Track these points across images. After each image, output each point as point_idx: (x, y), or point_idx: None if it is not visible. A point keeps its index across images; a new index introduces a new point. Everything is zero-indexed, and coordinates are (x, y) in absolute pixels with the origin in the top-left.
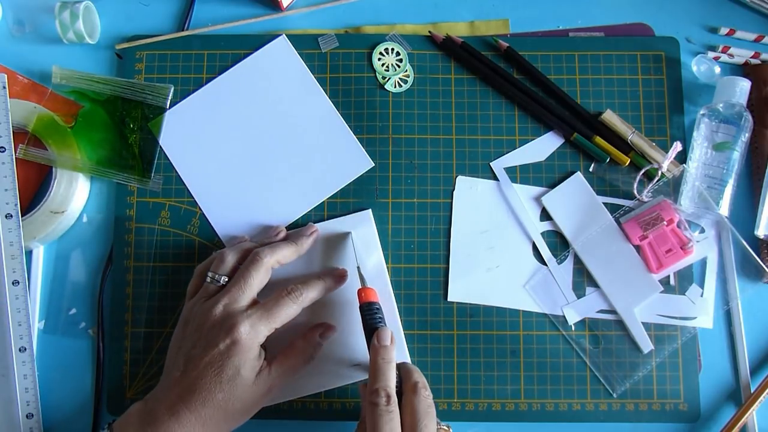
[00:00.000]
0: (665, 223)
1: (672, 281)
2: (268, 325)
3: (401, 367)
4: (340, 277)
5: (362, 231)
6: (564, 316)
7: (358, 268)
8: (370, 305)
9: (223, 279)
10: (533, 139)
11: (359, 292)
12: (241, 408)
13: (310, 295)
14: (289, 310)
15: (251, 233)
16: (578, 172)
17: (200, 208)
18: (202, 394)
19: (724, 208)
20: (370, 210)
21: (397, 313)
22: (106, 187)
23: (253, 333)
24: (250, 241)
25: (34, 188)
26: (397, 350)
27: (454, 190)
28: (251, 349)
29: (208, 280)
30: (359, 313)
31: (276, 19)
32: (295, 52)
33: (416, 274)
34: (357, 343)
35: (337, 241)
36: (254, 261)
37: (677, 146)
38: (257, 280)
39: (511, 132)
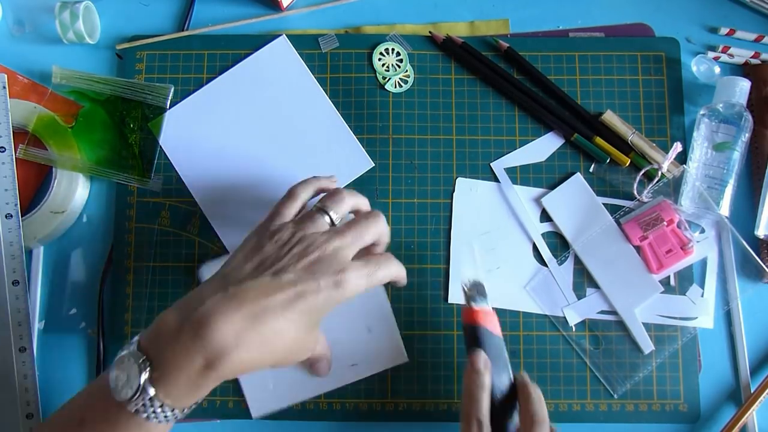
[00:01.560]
0: (665, 223)
1: (672, 282)
2: (372, 281)
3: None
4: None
5: None
6: (564, 317)
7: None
8: (476, 328)
9: (337, 220)
10: (533, 140)
11: (470, 312)
12: (297, 354)
13: (401, 270)
14: (391, 272)
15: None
16: (578, 173)
17: (200, 208)
18: (280, 323)
19: (725, 208)
20: None
21: (392, 313)
22: (106, 187)
23: (355, 286)
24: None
25: (34, 188)
26: (395, 351)
27: (454, 191)
28: (342, 300)
29: (319, 212)
30: (464, 331)
31: (276, 19)
32: (296, 52)
33: (416, 274)
34: (354, 343)
35: None
36: (377, 219)
37: (677, 147)
38: (367, 239)
39: (511, 132)
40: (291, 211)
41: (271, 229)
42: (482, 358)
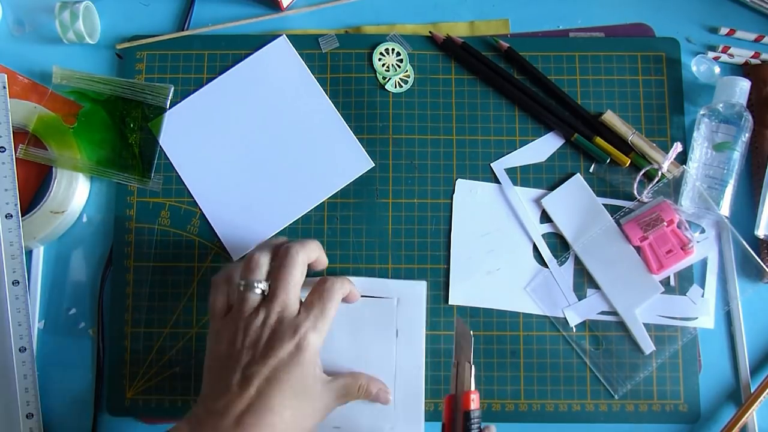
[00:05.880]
0: (665, 223)
1: (672, 282)
2: (326, 323)
3: None
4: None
5: (410, 303)
6: (565, 318)
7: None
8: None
9: (263, 285)
10: (534, 140)
11: (467, 396)
12: (309, 427)
13: (347, 285)
14: (337, 299)
15: (251, 233)
16: (578, 173)
17: (200, 208)
18: (266, 416)
19: (725, 209)
20: (425, 283)
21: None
22: (106, 187)
23: (317, 335)
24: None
25: (34, 188)
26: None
27: (454, 191)
28: (317, 354)
29: (242, 288)
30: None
31: (276, 19)
32: (296, 52)
33: (416, 274)
34: None
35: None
36: (288, 259)
37: (677, 147)
38: (297, 278)
39: (511, 132)
40: (218, 303)
41: (219, 334)
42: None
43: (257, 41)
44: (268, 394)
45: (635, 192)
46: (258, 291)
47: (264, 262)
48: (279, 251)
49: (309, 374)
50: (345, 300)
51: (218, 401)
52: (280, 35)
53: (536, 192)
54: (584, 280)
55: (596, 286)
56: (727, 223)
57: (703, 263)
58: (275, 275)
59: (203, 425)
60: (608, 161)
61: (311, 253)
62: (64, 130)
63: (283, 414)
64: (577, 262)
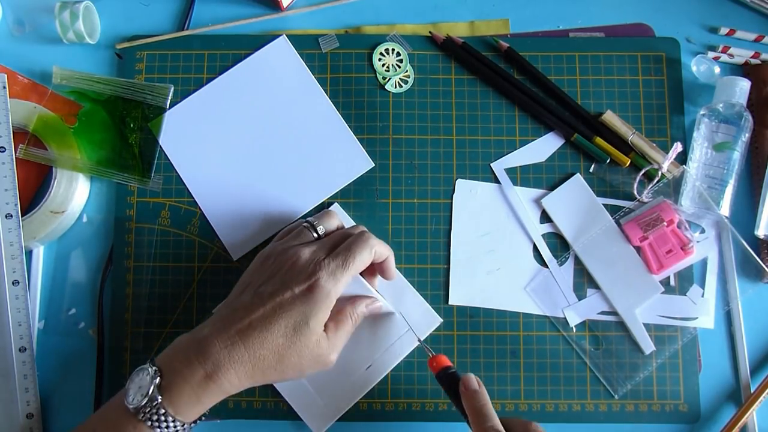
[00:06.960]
0: (665, 223)
1: (672, 282)
2: (345, 273)
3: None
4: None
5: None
6: (565, 318)
7: (419, 340)
8: (446, 369)
9: (321, 230)
10: (534, 140)
11: (431, 361)
12: (297, 362)
13: (380, 247)
14: (363, 256)
15: (251, 233)
16: (578, 173)
17: (200, 208)
18: (263, 333)
19: (725, 209)
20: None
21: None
22: (106, 187)
23: (333, 281)
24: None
25: (34, 188)
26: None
27: (454, 191)
28: (328, 299)
29: (306, 224)
30: (437, 381)
31: (276, 19)
32: (296, 52)
33: (416, 274)
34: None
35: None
36: (363, 237)
37: (677, 147)
38: (362, 259)
39: (511, 132)
40: (286, 230)
41: (266, 252)
42: (474, 379)
43: (257, 41)
44: (270, 317)
45: (635, 192)
46: (314, 234)
47: (336, 222)
48: (356, 230)
49: (312, 317)
50: (380, 270)
51: (225, 313)
52: (280, 35)
53: (536, 192)
54: (584, 280)
55: (596, 286)
56: (727, 223)
57: (703, 263)
58: (331, 234)
59: (201, 334)
60: (608, 161)
61: (383, 250)
62: (64, 130)
63: (276, 340)
64: (577, 262)
